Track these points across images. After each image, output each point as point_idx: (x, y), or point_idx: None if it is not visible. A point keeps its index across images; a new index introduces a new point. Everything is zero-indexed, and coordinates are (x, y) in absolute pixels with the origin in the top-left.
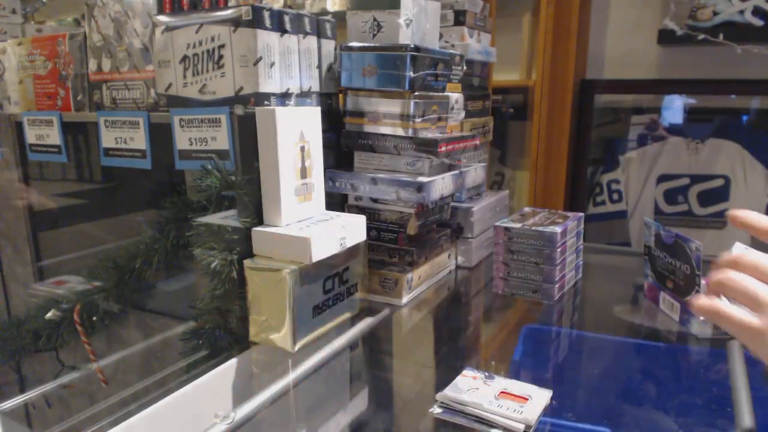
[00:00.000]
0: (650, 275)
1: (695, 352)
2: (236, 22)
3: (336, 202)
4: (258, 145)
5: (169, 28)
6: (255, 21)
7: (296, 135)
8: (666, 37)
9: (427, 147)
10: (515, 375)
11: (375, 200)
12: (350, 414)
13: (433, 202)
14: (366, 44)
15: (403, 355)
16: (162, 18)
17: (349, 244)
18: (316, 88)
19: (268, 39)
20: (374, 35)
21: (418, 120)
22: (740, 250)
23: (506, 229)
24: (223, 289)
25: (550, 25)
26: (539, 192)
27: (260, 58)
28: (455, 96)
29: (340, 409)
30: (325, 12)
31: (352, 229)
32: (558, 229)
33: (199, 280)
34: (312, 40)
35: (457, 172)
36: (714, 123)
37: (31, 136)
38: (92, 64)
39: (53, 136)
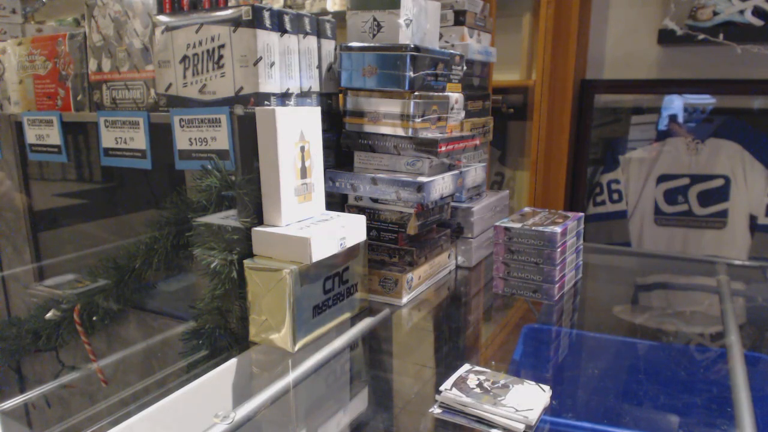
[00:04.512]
0: None
1: (695, 352)
2: (236, 22)
3: (336, 202)
4: (258, 145)
5: (169, 28)
6: (255, 21)
7: (296, 135)
8: (666, 37)
9: (427, 147)
10: (516, 374)
11: (375, 200)
12: (350, 414)
13: (433, 202)
14: (366, 44)
15: (403, 355)
16: (162, 18)
17: (349, 244)
18: (316, 88)
19: (268, 39)
20: (374, 35)
21: (418, 120)
22: None
23: (506, 229)
24: (223, 289)
25: (550, 25)
26: (539, 192)
27: (260, 58)
28: (455, 96)
29: (340, 409)
30: (325, 12)
31: (352, 229)
32: (558, 229)
33: (199, 280)
34: (312, 40)
35: (457, 172)
36: (714, 123)
37: (31, 136)
38: (92, 64)
39: (53, 136)
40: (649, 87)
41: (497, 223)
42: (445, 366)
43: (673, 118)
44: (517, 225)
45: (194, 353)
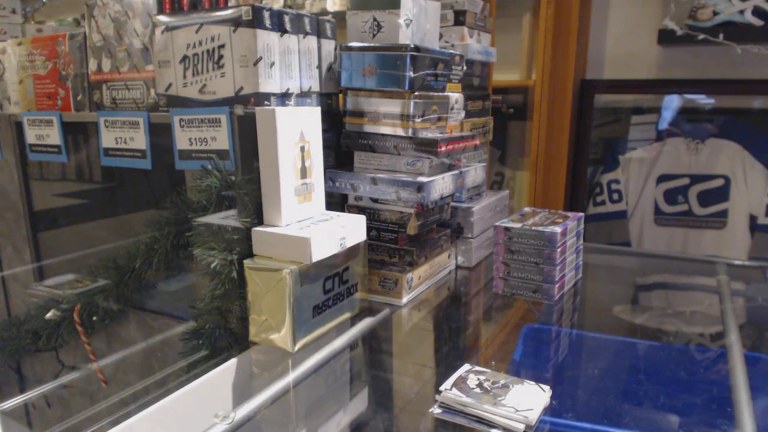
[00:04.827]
0: None
1: (695, 352)
2: (236, 22)
3: (336, 202)
4: (258, 145)
5: (169, 28)
6: (255, 21)
7: (296, 135)
8: (666, 37)
9: (427, 147)
10: (516, 374)
11: (375, 200)
12: (350, 414)
13: (433, 202)
14: (366, 44)
15: (403, 355)
16: (162, 18)
17: (349, 244)
18: (316, 88)
19: (268, 39)
20: (374, 35)
21: (418, 120)
22: None
23: (506, 229)
24: (223, 289)
25: (550, 25)
26: (539, 192)
27: (260, 58)
28: (455, 96)
29: (340, 409)
30: (325, 12)
31: (352, 229)
32: (558, 229)
33: (199, 280)
34: (312, 40)
35: (457, 172)
36: (714, 123)
37: (31, 136)
38: (92, 64)
39: (53, 136)
40: (649, 87)
41: (497, 223)
42: (445, 366)
43: (673, 118)
44: (517, 225)
45: (194, 353)
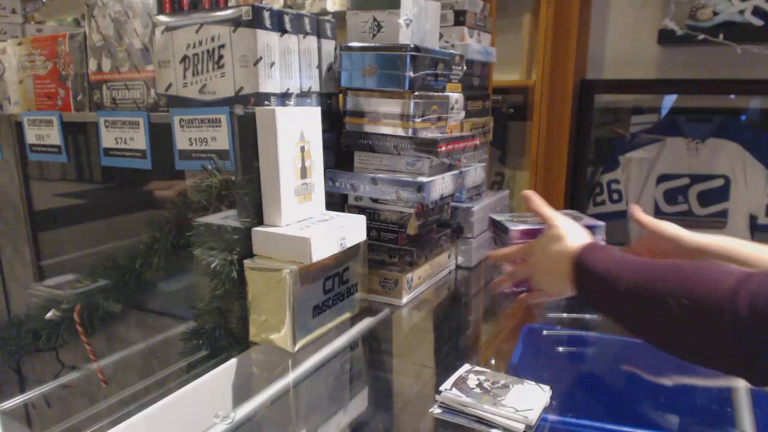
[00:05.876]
0: None
1: None
2: (236, 22)
3: (336, 202)
4: (258, 145)
5: (169, 28)
6: (255, 21)
7: (296, 135)
8: (666, 37)
9: (427, 147)
10: (516, 374)
11: (375, 200)
12: (350, 414)
13: (433, 202)
14: (366, 44)
15: (403, 355)
16: (162, 18)
17: (349, 244)
18: (316, 88)
19: (268, 39)
20: (374, 35)
21: (418, 120)
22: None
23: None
24: (223, 289)
25: (550, 25)
26: (539, 192)
27: (260, 58)
28: (455, 96)
29: (340, 409)
30: (325, 12)
31: (352, 229)
32: None
33: (199, 280)
34: (312, 40)
35: (457, 172)
36: (714, 123)
37: (31, 136)
38: (92, 64)
39: (53, 136)
40: (649, 87)
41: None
42: (445, 366)
43: (673, 118)
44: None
45: (194, 353)
